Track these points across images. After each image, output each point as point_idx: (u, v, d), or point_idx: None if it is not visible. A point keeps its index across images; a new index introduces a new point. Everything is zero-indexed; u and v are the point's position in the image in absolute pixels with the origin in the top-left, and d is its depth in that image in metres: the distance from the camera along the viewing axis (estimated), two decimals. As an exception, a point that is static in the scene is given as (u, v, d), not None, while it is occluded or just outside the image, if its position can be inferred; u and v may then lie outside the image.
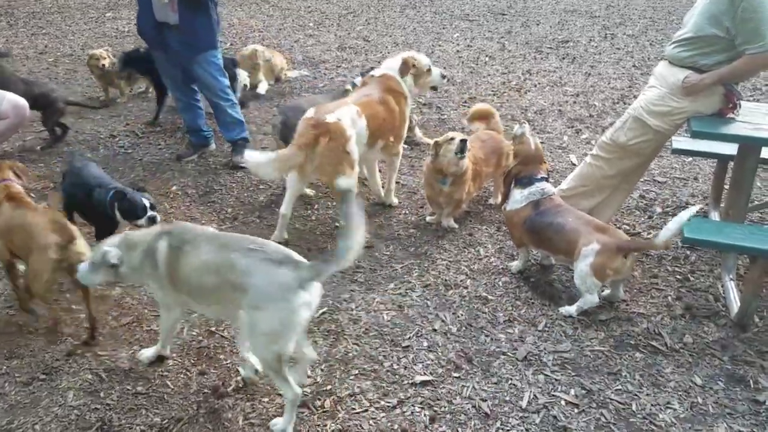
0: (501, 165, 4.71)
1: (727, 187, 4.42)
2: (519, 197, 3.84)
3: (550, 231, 3.62)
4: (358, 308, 3.56)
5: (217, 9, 5.11)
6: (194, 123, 5.63)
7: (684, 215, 3.21)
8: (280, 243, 4.04)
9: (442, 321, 3.44)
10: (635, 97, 7.63)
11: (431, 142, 6.27)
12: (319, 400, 2.92)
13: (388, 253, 4.15)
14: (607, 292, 3.60)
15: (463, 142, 4.12)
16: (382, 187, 4.77)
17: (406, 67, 4.50)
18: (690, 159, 5.57)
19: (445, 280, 3.83)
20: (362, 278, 3.87)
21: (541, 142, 6.10)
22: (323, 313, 3.51)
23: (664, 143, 4.04)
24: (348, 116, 4.03)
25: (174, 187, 5.07)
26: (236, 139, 5.41)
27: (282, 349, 2.54)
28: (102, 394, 2.96)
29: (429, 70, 4.65)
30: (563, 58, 9.01)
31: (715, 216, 4.53)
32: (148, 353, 3.15)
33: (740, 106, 3.74)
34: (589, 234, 3.46)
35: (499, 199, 4.84)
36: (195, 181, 5.20)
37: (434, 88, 4.93)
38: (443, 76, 4.79)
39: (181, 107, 5.62)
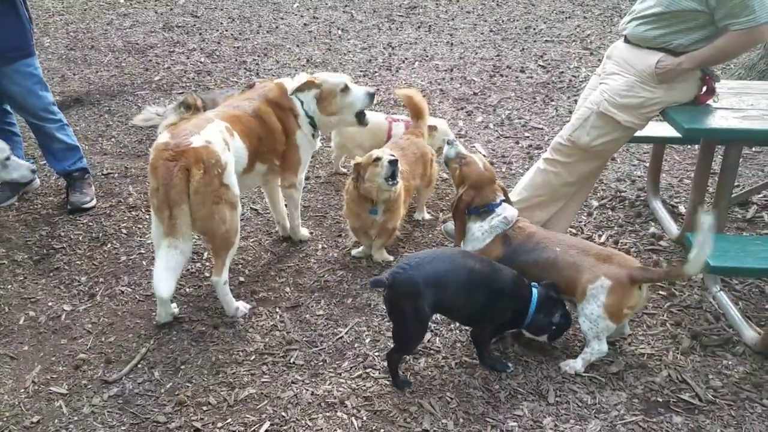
0: (426, 174, 3.90)
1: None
2: (479, 233, 2.99)
3: (539, 270, 2.87)
4: (312, 412, 2.59)
5: (27, 5, 3.71)
6: (8, 153, 4.16)
7: (706, 226, 2.44)
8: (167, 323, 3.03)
9: (431, 414, 2.57)
10: (509, 67, 7.27)
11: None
12: None
13: (322, 312, 3.18)
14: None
15: (393, 164, 3.23)
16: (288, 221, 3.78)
17: (305, 85, 3.36)
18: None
19: (409, 344, 2.96)
20: (301, 359, 2.88)
21: (439, 132, 5.42)
22: (266, 432, 2.50)
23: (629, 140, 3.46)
24: (218, 137, 2.95)
25: (-6, 253, 3.68)
26: (71, 171, 4.08)
27: None
28: None
29: (345, 90, 3.41)
30: (419, 27, 8.37)
31: (657, 204, 4.09)
32: None
33: (717, 91, 3.23)
34: (594, 267, 2.76)
35: (425, 214, 4.05)
36: (23, 239, 3.80)
37: (360, 118, 3.49)
38: (370, 95, 3.45)
39: (-10, 134, 4.13)
